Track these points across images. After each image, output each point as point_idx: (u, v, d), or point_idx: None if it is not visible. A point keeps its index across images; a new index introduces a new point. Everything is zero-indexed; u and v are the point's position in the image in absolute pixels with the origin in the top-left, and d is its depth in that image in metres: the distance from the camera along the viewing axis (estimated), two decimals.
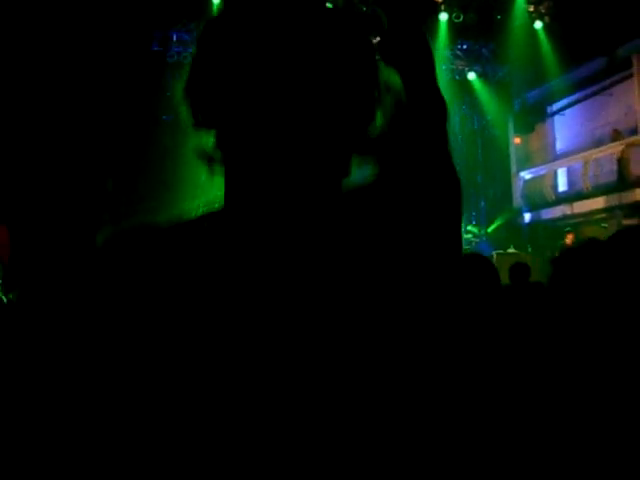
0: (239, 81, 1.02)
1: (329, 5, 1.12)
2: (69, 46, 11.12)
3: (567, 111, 16.20)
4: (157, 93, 13.32)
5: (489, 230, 15.83)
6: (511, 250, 13.93)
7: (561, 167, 16.28)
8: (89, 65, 11.54)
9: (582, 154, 15.10)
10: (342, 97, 1.03)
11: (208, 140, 1.06)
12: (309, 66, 1.01)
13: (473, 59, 15.28)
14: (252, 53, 1.01)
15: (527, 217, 16.63)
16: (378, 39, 1.33)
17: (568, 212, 14.66)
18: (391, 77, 1.15)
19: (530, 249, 14.57)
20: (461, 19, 13.26)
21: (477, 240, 14.36)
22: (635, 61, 13.64)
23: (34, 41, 10.60)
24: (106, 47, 11.80)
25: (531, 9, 13.67)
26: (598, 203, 13.66)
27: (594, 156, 14.73)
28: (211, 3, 12.65)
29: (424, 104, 1.26)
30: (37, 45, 10.68)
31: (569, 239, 13.10)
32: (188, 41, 13.75)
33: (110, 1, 11.20)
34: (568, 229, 13.36)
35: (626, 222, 11.83)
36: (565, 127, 16.39)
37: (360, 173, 1.21)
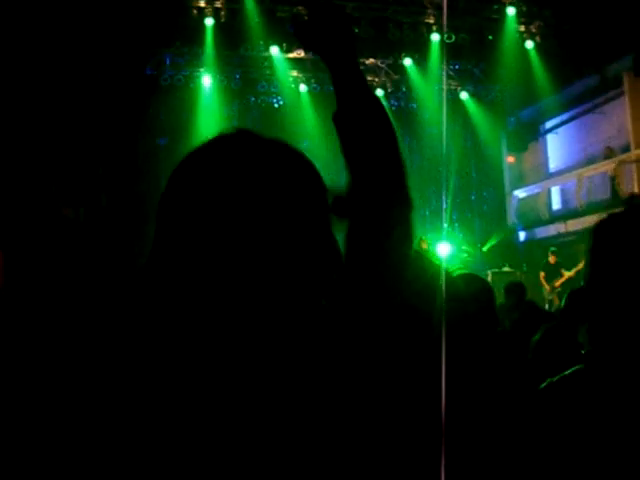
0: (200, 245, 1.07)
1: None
2: (62, 69, 11.15)
3: (560, 129, 16.27)
4: (151, 116, 13.36)
5: (484, 249, 15.84)
6: (506, 269, 13.95)
7: (554, 185, 16.33)
8: (82, 89, 11.57)
9: (575, 172, 15.15)
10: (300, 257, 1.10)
11: None
12: (266, 229, 1.07)
13: (465, 79, 15.37)
14: (210, 218, 1.07)
15: (522, 236, 16.65)
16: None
17: (562, 230, 14.68)
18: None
19: (525, 268, 14.59)
20: (453, 39, 13.34)
21: (472, 259, 14.37)
22: (626, 79, 13.71)
23: (28, 63, 10.63)
24: (99, 70, 11.84)
25: (522, 29, 13.76)
26: (592, 221, 13.61)
27: (587, 174, 14.78)
28: (204, 27, 12.70)
29: (388, 177, 1.30)
30: (32, 66, 10.70)
31: (552, 259, 13.20)
32: (181, 64, 13.81)
33: (104, 25, 11.24)
34: (552, 249, 13.43)
35: None
36: (558, 145, 16.45)
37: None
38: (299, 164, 1.17)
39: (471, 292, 2.55)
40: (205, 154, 1.15)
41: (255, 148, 1.16)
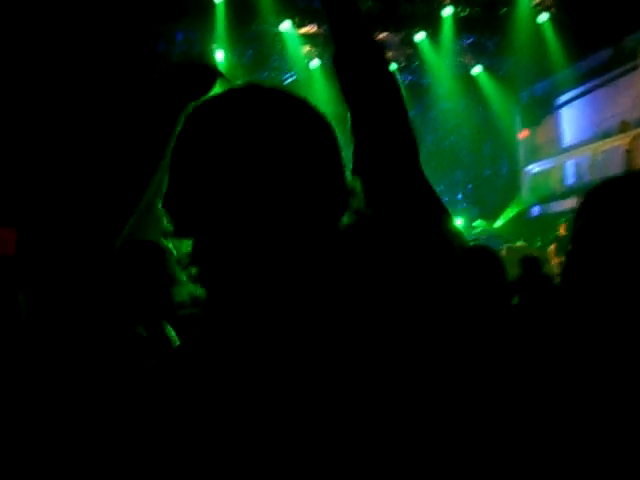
0: (211, 193, 1.08)
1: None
2: (73, 46, 11.14)
3: (574, 103, 16.14)
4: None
5: (498, 224, 15.80)
6: (520, 243, 13.90)
7: (569, 160, 16.23)
8: (94, 65, 11.55)
9: (589, 146, 15.05)
10: (310, 195, 1.10)
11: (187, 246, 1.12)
12: (275, 176, 1.08)
13: (478, 53, 15.24)
14: (221, 167, 1.08)
15: (536, 210, 16.59)
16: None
17: (576, 205, 14.58)
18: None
19: (539, 242, 14.54)
20: (466, 13, 13.23)
21: (485, 234, 14.34)
22: None
23: (36, 41, 10.62)
24: (111, 47, 11.81)
25: (536, 1, 13.62)
26: None
27: (602, 148, 14.68)
28: (215, 2, 12.65)
29: (396, 143, 1.28)
30: (40, 45, 10.69)
31: (562, 230, 13.04)
32: (193, 40, 13.76)
33: (113, 4, 11.21)
34: (563, 220, 13.30)
35: None
36: (572, 119, 16.32)
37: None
38: (306, 113, 1.18)
39: (481, 266, 2.55)
40: (214, 106, 1.16)
41: (264, 99, 1.17)
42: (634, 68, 13.97)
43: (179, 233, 1.11)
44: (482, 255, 2.69)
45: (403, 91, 1.36)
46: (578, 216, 1.54)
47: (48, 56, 10.77)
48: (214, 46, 13.79)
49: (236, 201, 1.07)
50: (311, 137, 1.14)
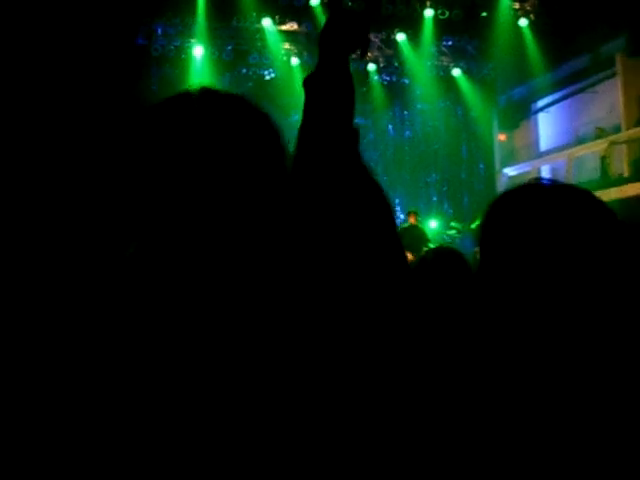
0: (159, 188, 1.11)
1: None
2: (52, 39, 11.05)
3: (551, 108, 16.25)
4: (142, 86, 13.25)
5: (472, 226, 15.88)
6: None
7: (545, 164, 16.35)
8: (73, 58, 11.47)
9: (566, 151, 15.17)
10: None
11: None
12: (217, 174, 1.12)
13: (458, 55, 15.30)
14: (168, 167, 1.12)
15: None
16: None
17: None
18: None
19: None
20: (446, 15, 13.28)
21: (460, 236, 14.40)
22: (618, 59, 13.71)
23: (14, 33, 10.53)
24: (90, 40, 11.73)
25: (516, 6, 13.70)
26: None
27: (578, 153, 14.80)
28: None
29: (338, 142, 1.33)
30: (18, 39, 10.60)
31: None
32: (173, 35, 13.69)
33: None
34: None
35: None
36: (549, 124, 16.45)
37: None
38: (258, 119, 1.23)
39: (445, 267, 2.58)
40: (166, 109, 1.18)
41: (215, 104, 1.19)
42: (611, 76, 14.10)
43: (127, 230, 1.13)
44: (448, 257, 2.72)
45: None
46: (481, 229, 1.66)
47: (23, 52, 10.68)
48: (194, 41, 13.74)
49: (180, 196, 1.09)
50: (257, 142, 1.18)
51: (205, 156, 1.10)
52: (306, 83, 1.41)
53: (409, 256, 8.44)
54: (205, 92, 1.21)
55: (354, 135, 1.39)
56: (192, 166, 1.09)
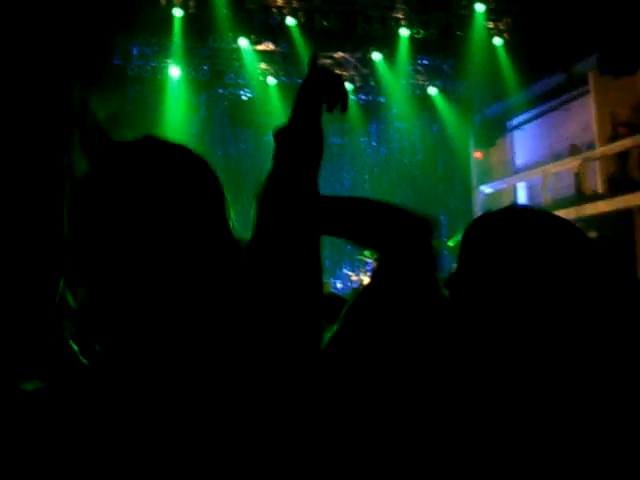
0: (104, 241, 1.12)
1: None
2: (27, 55, 11.00)
3: (526, 126, 16.41)
4: (118, 106, 13.21)
5: (450, 244, 15.92)
6: None
7: (521, 181, 16.48)
8: (49, 75, 11.43)
9: (541, 168, 15.30)
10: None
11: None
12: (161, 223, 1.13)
13: (433, 74, 15.41)
14: (113, 217, 1.13)
15: None
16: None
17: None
18: None
19: None
20: (421, 35, 13.38)
21: (437, 254, 14.44)
22: (591, 77, 13.87)
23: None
24: (66, 59, 11.70)
25: (490, 25, 13.84)
26: None
27: (553, 170, 14.93)
28: (172, 17, 12.62)
29: (304, 193, 1.41)
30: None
31: None
32: (149, 55, 13.70)
33: (70, 15, 11.11)
34: None
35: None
36: (524, 142, 16.59)
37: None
38: (198, 169, 1.23)
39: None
40: (111, 160, 1.21)
41: (157, 154, 1.21)
42: (584, 93, 14.26)
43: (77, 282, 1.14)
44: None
45: None
46: (461, 248, 1.78)
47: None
48: (170, 61, 13.75)
49: (125, 250, 1.10)
50: (196, 186, 1.20)
51: (145, 208, 1.12)
52: (277, 136, 1.45)
53: None
54: (148, 143, 1.24)
55: (315, 193, 1.44)
56: (132, 219, 1.11)
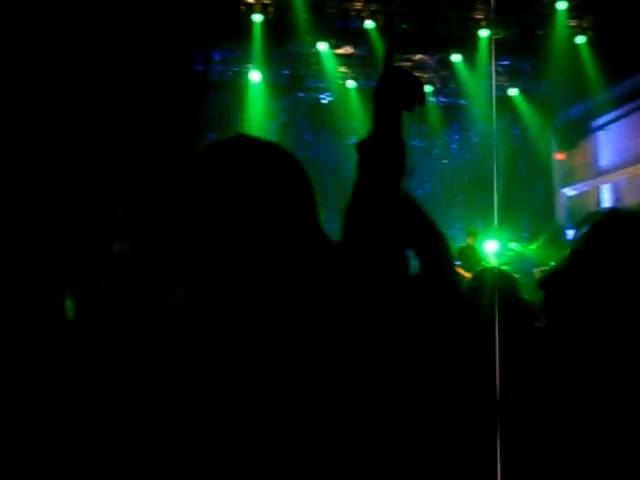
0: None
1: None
2: (111, 66, 11.29)
3: (611, 126, 16.01)
4: (200, 111, 13.46)
5: (531, 247, 15.69)
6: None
7: (605, 183, 16.09)
8: (133, 85, 11.70)
9: (627, 169, 14.91)
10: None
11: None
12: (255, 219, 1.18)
13: (514, 75, 15.21)
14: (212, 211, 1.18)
15: (570, 234, 16.44)
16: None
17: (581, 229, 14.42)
18: None
19: None
20: (502, 35, 13.22)
21: (519, 257, 14.25)
22: None
23: (79, 59, 10.79)
24: (150, 67, 11.96)
25: (573, 24, 13.58)
26: None
27: (638, 172, 14.54)
28: (252, 23, 12.76)
29: (390, 202, 1.40)
30: (84, 64, 10.86)
31: None
32: (230, 60, 13.89)
33: (153, 23, 11.36)
34: None
35: None
36: (609, 142, 16.19)
37: None
38: (288, 165, 1.28)
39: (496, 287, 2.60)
40: (204, 157, 1.26)
41: (248, 151, 1.26)
42: None
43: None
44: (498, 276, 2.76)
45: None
46: (581, 240, 1.75)
47: (89, 77, 10.92)
48: (250, 66, 13.91)
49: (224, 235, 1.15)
50: (285, 181, 1.24)
51: (241, 207, 1.15)
52: (359, 148, 1.46)
53: (466, 274, 8.40)
54: (240, 140, 1.26)
55: (399, 201, 1.45)
56: (228, 218, 1.14)
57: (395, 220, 1.38)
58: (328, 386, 1.11)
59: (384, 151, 1.44)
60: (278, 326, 1.13)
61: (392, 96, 1.49)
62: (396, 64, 1.61)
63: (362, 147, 1.46)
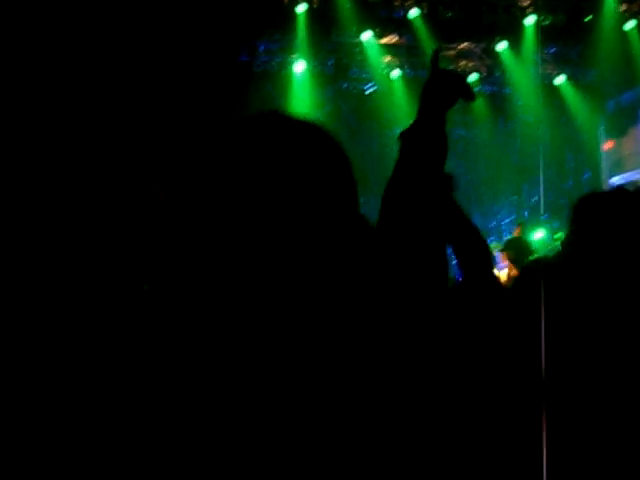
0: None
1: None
2: (157, 58, 11.38)
3: None
4: (244, 102, 13.51)
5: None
6: None
7: None
8: (177, 76, 11.78)
9: None
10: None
11: None
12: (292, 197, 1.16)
13: (561, 62, 15.01)
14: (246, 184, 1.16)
15: None
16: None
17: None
18: None
19: None
20: (548, 22, 13.05)
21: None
22: None
23: (124, 51, 10.89)
24: (194, 59, 12.03)
25: (623, 8, 13.33)
26: None
27: None
28: (296, 13, 12.76)
29: (427, 193, 1.38)
30: (127, 54, 10.96)
31: None
32: (274, 51, 13.92)
33: (197, 16, 11.43)
34: None
35: None
36: None
37: None
38: (325, 143, 1.25)
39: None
40: (237, 131, 1.24)
41: (283, 127, 1.23)
42: None
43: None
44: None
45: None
46: (571, 222, 1.84)
47: (130, 67, 11.03)
48: (295, 56, 13.92)
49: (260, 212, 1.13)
50: (324, 160, 1.21)
51: (274, 183, 1.14)
52: (402, 136, 1.50)
53: (513, 271, 8.35)
54: (277, 118, 1.25)
55: (441, 190, 1.47)
56: (259, 193, 1.13)
57: (434, 210, 1.38)
58: (350, 385, 1.11)
59: (426, 139, 1.47)
60: (298, 317, 1.12)
61: (439, 98, 1.54)
62: (443, 55, 1.66)
63: (405, 135, 1.50)
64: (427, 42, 12.66)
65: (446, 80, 1.57)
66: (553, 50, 14.57)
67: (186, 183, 1.21)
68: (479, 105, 15.46)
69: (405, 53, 14.00)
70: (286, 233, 1.12)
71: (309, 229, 1.14)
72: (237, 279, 1.12)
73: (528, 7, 13.08)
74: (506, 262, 9.09)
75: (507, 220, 15.32)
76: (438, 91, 1.54)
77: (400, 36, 13.58)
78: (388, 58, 14.25)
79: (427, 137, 1.48)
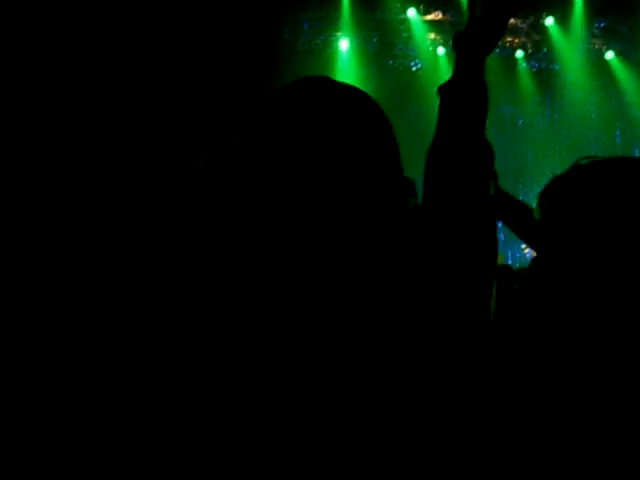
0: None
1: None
2: (200, 34, 11.41)
3: None
4: (289, 80, 13.46)
5: None
6: None
7: None
8: (224, 55, 11.81)
9: None
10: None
11: None
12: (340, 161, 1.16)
13: (611, 38, 14.71)
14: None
15: None
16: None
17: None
18: None
19: None
20: None
21: None
22: None
23: (166, 26, 10.94)
24: (238, 36, 12.04)
25: None
26: None
27: None
28: None
29: (471, 151, 1.32)
30: (168, 30, 11.01)
31: None
32: (319, 28, 13.86)
33: None
34: None
35: None
36: None
37: None
38: (368, 107, 1.27)
39: None
40: (286, 93, 1.28)
41: (329, 91, 1.25)
42: None
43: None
44: None
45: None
46: (542, 198, 1.79)
47: (172, 43, 11.07)
48: (339, 34, 13.85)
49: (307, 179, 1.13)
50: (369, 127, 1.23)
51: (318, 144, 1.13)
52: (441, 90, 1.47)
53: None
54: (323, 82, 1.25)
55: (483, 147, 1.40)
56: (304, 152, 1.12)
57: (479, 172, 1.33)
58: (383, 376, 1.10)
59: (466, 92, 1.42)
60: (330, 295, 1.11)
61: (475, 42, 1.46)
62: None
63: (444, 89, 1.46)
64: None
65: (482, 24, 1.49)
66: (602, 24, 14.28)
67: (232, 145, 1.21)
68: (526, 81, 15.25)
69: (450, 30, 13.83)
70: (333, 195, 1.12)
71: (356, 191, 1.13)
72: (283, 241, 1.12)
73: None
74: None
75: None
76: (475, 36, 1.47)
77: (444, 13, 13.43)
78: (433, 35, 14.11)
79: (466, 87, 1.42)
